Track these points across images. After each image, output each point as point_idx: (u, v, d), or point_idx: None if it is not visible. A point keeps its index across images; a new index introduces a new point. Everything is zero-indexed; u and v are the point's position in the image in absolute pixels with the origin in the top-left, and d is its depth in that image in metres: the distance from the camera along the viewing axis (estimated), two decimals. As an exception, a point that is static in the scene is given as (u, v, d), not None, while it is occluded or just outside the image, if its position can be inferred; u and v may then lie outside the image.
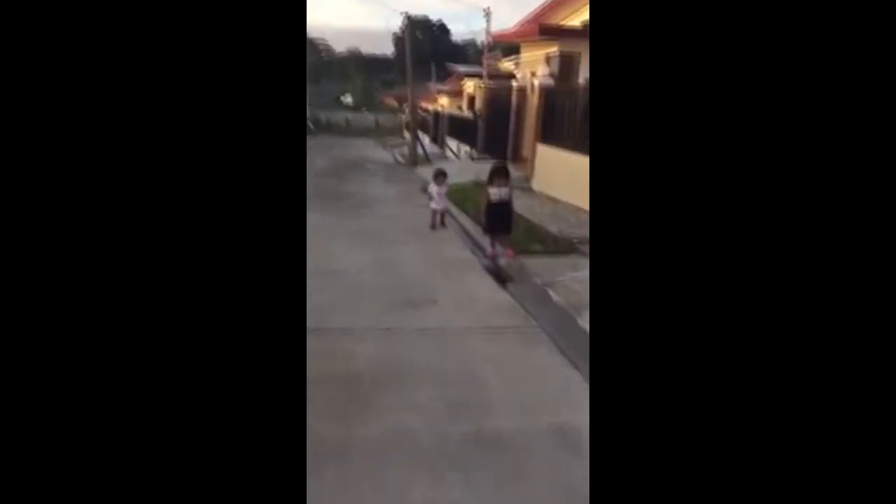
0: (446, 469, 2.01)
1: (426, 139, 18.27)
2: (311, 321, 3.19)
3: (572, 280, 4.21)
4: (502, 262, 4.81)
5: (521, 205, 6.41)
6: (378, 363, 2.83)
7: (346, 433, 2.20)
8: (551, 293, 3.95)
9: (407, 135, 18.09)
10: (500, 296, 4.05)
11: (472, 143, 13.76)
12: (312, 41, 45.03)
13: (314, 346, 2.94)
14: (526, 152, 10.52)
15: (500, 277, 4.47)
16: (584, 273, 4.36)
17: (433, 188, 6.50)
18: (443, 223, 6.46)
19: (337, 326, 3.29)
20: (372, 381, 2.63)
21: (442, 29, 52.83)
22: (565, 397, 2.58)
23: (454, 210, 7.04)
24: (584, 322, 3.38)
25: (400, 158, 15.85)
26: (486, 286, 4.29)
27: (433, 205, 6.48)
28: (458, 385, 2.65)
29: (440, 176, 6.54)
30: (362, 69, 51.72)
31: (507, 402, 2.51)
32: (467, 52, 38.51)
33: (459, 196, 7.55)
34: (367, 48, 56.24)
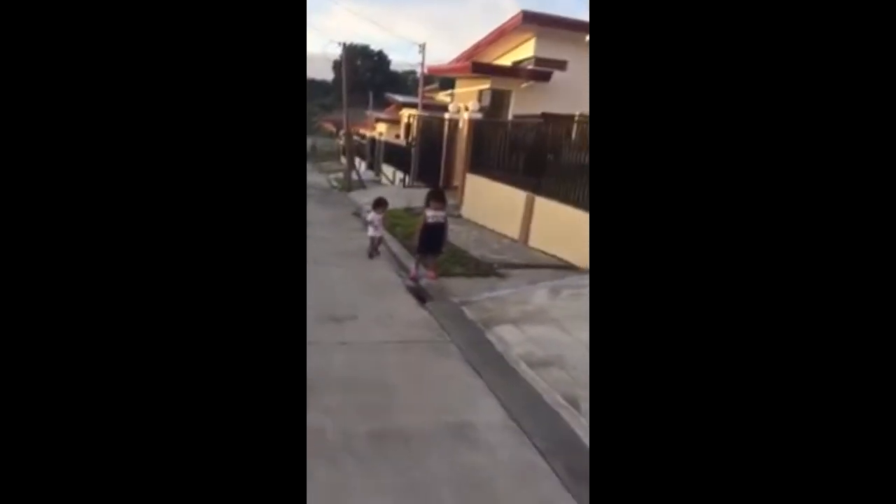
0: (350, 461, 2.22)
1: (362, 165, 18.51)
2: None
3: (487, 299, 4.56)
4: (424, 282, 5.10)
5: (449, 231, 6.77)
6: (296, 373, 3.01)
7: (260, 433, 2.37)
8: (466, 311, 4.27)
9: (343, 160, 18.25)
10: (418, 313, 4.33)
11: (406, 171, 14.14)
12: (249, 62, 44.27)
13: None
14: (456, 181, 10.99)
15: (421, 297, 4.75)
16: (499, 293, 4.73)
17: (372, 215, 6.45)
18: (377, 251, 6.45)
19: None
20: (288, 389, 2.80)
21: (381, 58, 53.79)
22: (466, 400, 2.87)
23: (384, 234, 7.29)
24: (492, 336, 3.71)
25: (335, 183, 15.96)
26: (407, 304, 4.56)
27: (371, 231, 6.42)
28: (368, 391, 2.87)
29: (380, 204, 6.53)
30: (300, 93, 51.41)
31: (413, 404, 2.77)
32: (406, 83, 39.41)
33: (391, 221, 7.81)
34: (307, 73, 56.12)
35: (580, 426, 2.54)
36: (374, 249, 6.41)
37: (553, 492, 2.11)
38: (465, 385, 3.06)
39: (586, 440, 2.42)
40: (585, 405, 2.70)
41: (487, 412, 2.73)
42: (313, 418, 2.52)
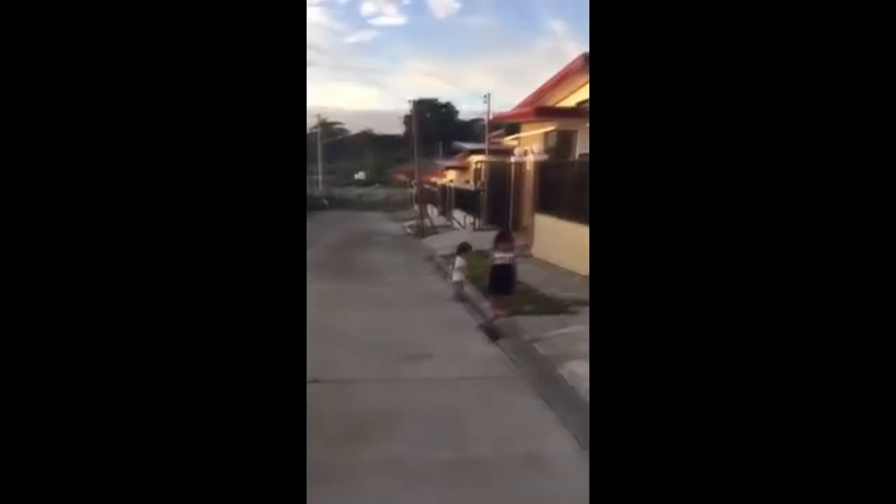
0: (429, 486, 2.38)
1: (434, 212, 19.15)
2: (325, 373, 3.66)
3: (557, 336, 4.61)
4: (496, 322, 5.24)
5: (519, 270, 6.89)
6: (378, 408, 3.24)
7: (348, 459, 2.59)
8: (537, 347, 4.35)
9: (416, 207, 19.01)
10: (491, 350, 4.47)
11: (476, 215, 14.50)
12: (328, 124, 47.84)
13: (321, 394, 3.38)
14: (525, 222, 11.15)
15: (493, 335, 4.89)
16: (569, 329, 4.77)
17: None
18: (462, 297, 6.45)
19: (345, 378, 3.72)
20: (371, 422, 3.03)
21: (449, 109, 55.98)
22: (537, 432, 2.95)
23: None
24: (563, 371, 3.77)
25: (408, 230, 16.60)
26: (480, 342, 4.71)
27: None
28: (445, 422, 3.03)
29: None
30: (375, 148, 54.46)
31: (487, 434, 2.89)
32: (473, 130, 40.72)
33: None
34: (380, 129, 59.44)
35: (654, 457, 2.55)
36: (460, 292, 6.47)
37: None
38: (537, 418, 3.14)
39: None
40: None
41: (559, 443, 2.80)
42: (394, 447, 2.72)
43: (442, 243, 11.61)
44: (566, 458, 2.63)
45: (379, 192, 39.68)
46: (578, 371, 3.74)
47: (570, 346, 4.31)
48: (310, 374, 3.62)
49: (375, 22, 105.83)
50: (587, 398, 3.29)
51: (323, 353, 4.17)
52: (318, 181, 36.32)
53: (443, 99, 56.63)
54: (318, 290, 6.71)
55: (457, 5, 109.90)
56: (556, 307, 5.71)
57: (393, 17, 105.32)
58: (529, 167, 12.07)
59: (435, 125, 46.96)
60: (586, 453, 2.67)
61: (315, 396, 3.35)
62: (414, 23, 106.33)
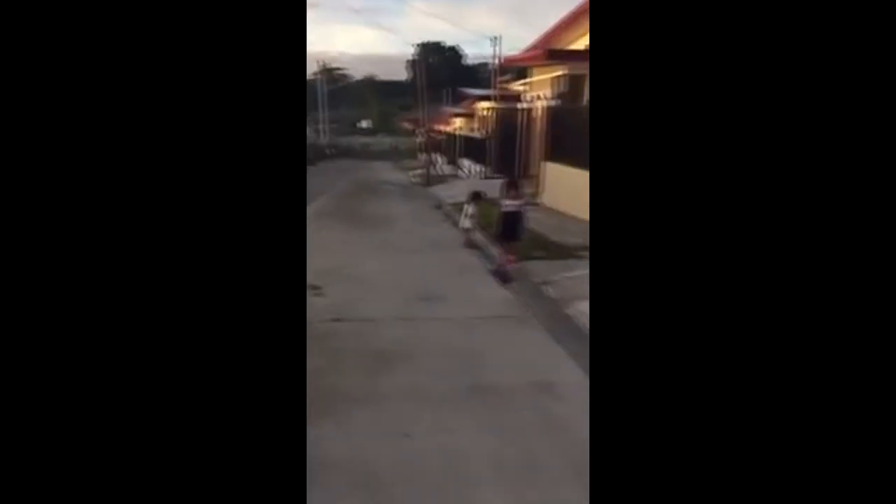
0: (450, 409, 2.62)
1: (441, 160, 19.07)
2: (345, 313, 3.87)
3: (564, 279, 4.80)
4: (507, 267, 5.42)
5: (529, 217, 7.01)
6: (398, 343, 3.46)
7: (373, 387, 2.83)
8: (546, 289, 4.55)
9: (422, 156, 18.92)
10: (502, 293, 4.67)
11: (484, 163, 14.46)
12: (330, 69, 46.69)
13: (345, 330, 3.61)
14: (534, 169, 11.16)
15: (504, 279, 5.08)
16: (576, 273, 4.95)
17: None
18: (472, 243, 6.61)
19: (364, 317, 3.94)
20: (393, 355, 3.26)
21: (455, 53, 54.35)
22: (547, 362, 3.18)
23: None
24: (570, 310, 3.97)
25: (415, 179, 16.62)
26: (491, 286, 4.91)
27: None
28: (462, 355, 3.26)
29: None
30: (379, 95, 53.36)
31: (500, 365, 3.12)
32: (480, 76, 39.74)
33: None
34: (384, 74, 58.00)
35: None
36: (469, 240, 6.65)
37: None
38: (548, 351, 3.36)
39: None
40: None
41: (567, 372, 3.03)
42: (415, 377, 2.95)
43: (450, 192, 11.68)
44: (573, 385, 2.86)
45: (385, 141, 39.30)
46: (585, 310, 3.93)
47: (577, 287, 4.49)
48: (331, 314, 3.87)
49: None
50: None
51: (342, 296, 4.39)
52: (321, 130, 35.89)
53: (448, 42, 54.91)
54: (331, 238, 6.90)
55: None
56: (564, 252, 5.87)
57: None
58: (538, 113, 11.93)
59: (441, 70, 45.78)
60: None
61: (339, 333, 3.60)
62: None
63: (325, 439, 2.28)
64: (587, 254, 5.75)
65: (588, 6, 12.05)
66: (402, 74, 54.30)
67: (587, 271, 4.99)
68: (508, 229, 5.54)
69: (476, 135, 17.83)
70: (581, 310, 3.95)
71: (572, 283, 4.65)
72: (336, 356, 3.20)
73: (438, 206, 10.34)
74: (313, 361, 2.64)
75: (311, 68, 40.34)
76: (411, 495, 2.00)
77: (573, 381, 2.91)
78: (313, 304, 3.98)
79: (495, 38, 15.59)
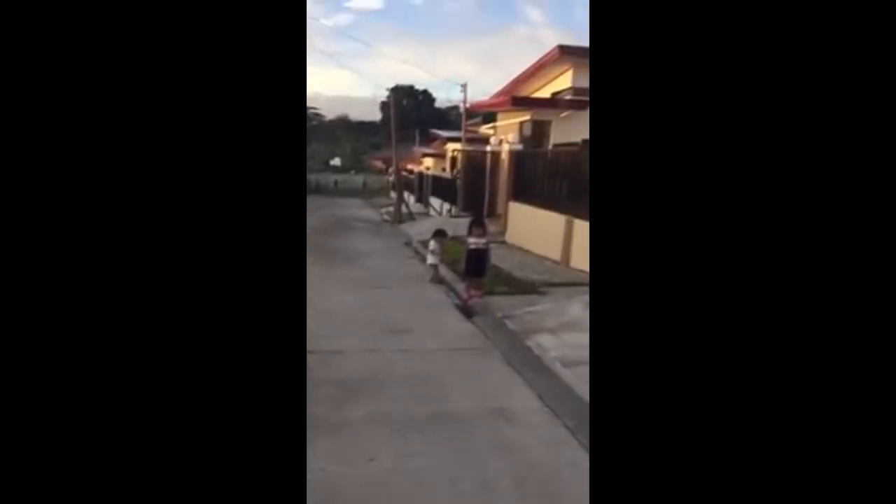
0: (412, 435, 2.76)
1: (411, 199, 19.43)
2: (314, 345, 3.99)
3: (527, 313, 5.03)
4: (472, 302, 5.62)
5: (494, 255, 7.29)
6: (364, 373, 3.59)
7: (340, 415, 2.95)
8: (508, 323, 4.77)
9: (393, 194, 19.24)
10: (466, 326, 4.86)
11: (452, 202, 14.84)
12: (303, 108, 47.09)
13: (313, 363, 3.72)
14: (500, 209, 11.55)
15: (468, 313, 5.28)
16: (538, 308, 5.20)
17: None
18: (438, 276, 6.90)
19: (333, 349, 4.06)
20: (358, 384, 3.39)
21: (426, 97, 55.90)
22: (505, 391, 3.37)
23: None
24: (529, 342, 4.18)
25: (386, 217, 16.86)
26: (456, 319, 5.10)
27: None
28: (425, 384, 3.42)
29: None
30: (351, 134, 54.10)
31: (461, 393, 3.29)
32: (450, 118, 40.86)
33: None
34: (356, 115, 59.01)
35: (604, 409, 2.98)
36: (436, 275, 6.91)
37: (577, 455, 2.57)
38: (506, 381, 3.55)
39: (609, 420, 2.85)
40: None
41: (525, 400, 3.22)
42: (381, 405, 3.09)
43: (419, 229, 11.93)
44: (530, 412, 3.04)
45: (356, 179, 39.62)
46: (544, 343, 4.16)
47: (538, 321, 4.73)
48: (301, 345, 3.97)
49: (353, 5, 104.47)
50: (551, 365, 3.72)
51: (312, 329, 4.48)
52: (293, 167, 35.93)
53: (419, 86, 56.56)
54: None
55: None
56: (526, 288, 6.13)
57: (370, 1, 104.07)
58: (504, 156, 12.44)
59: (412, 112, 46.93)
60: (547, 409, 3.09)
61: (308, 365, 3.70)
62: (391, 7, 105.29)
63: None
64: (548, 290, 6.02)
65: (552, 57, 12.83)
66: (374, 115, 55.39)
67: (547, 306, 5.24)
68: (473, 266, 5.79)
69: (445, 175, 18.31)
70: (539, 342, 4.18)
71: (533, 317, 4.89)
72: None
73: (408, 243, 10.55)
74: None
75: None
76: (374, 513, 2.12)
77: (528, 408, 3.10)
78: (282, 336, 4.07)
79: (464, 84, 16.30)
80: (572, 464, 2.51)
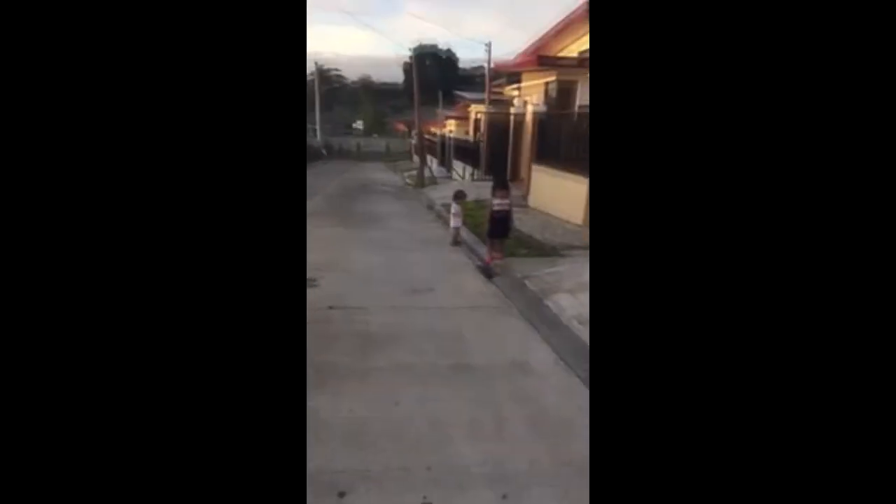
0: (434, 383, 2.94)
1: (434, 162, 19.41)
2: (339, 302, 4.17)
3: (547, 274, 5.14)
4: (493, 263, 5.75)
5: (516, 218, 7.35)
6: (387, 328, 3.78)
7: (365, 364, 3.15)
8: (527, 283, 4.88)
9: (416, 158, 19.23)
10: (486, 286, 5.00)
11: (475, 166, 14.80)
12: (324, 71, 46.90)
13: (338, 318, 3.91)
14: (523, 173, 11.51)
15: (489, 274, 5.41)
16: (557, 269, 5.29)
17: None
18: (460, 239, 7.00)
19: (357, 305, 4.25)
20: (382, 337, 3.58)
21: (450, 57, 54.75)
22: (523, 345, 3.51)
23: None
24: (549, 301, 4.30)
25: (408, 181, 16.92)
26: (477, 280, 5.24)
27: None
28: (446, 338, 3.59)
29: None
30: (373, 97, 53.62)
31: (480, 348, 3.45)
32: (474, 79, 40.09)
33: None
34: (378, 76, 58.29)
35: (617, 364, 3.11)
36: (457, 237, 7.02)
37: (587, 401, 2.71)
38: (524, 337, 3.69)
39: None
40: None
41: (541, 354, 3.36)
42: (404, 356, 3.27)
43: (441, 193, 12.00)
44: (545, 364, 3.19)
45: (378, 142, 39.50)
46: (561, 302, 4.28)
47: (556, 282, 4.83)
48: (326, 303, 4.18)
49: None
50: (568, 323, 3.84)
51: (336, 287, 4.70)
52: (316, 130, 36.13)
53: (443, 45, 55.34)
54: (326, 235, 7.21)
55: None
56: (547, 251, 6.21)
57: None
58: (528, 119, 12.30)
59: (435, 73, 46.12)
60: (562, 361, 3.23)
61: (333, 319, 3.91)
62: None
63: (321, 407, 2.59)
64: (568, 252, 6.10)
65: (580, 14, 12.46)
66: (396, 77, 54.61)
67: (566, 267, 5.33)
68: (497, 228, 5.88)
69: (468, 138, 18.16)
70: (557, 301, 4.29)
71: (552, 278, 4.99)
72: (330, 338, 3.51)
73: (430, 207, 10.65)
74: (309, 343, 2.98)
75: (307, 69, 40.39)
76: (397, 449, 2.31)
77: (544, 360, 3.25)
78: (308, 294, 4.29)
79: (488, 43, 15.96)
80: (582, 408, 2.67)
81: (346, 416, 2.56)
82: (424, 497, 2.00)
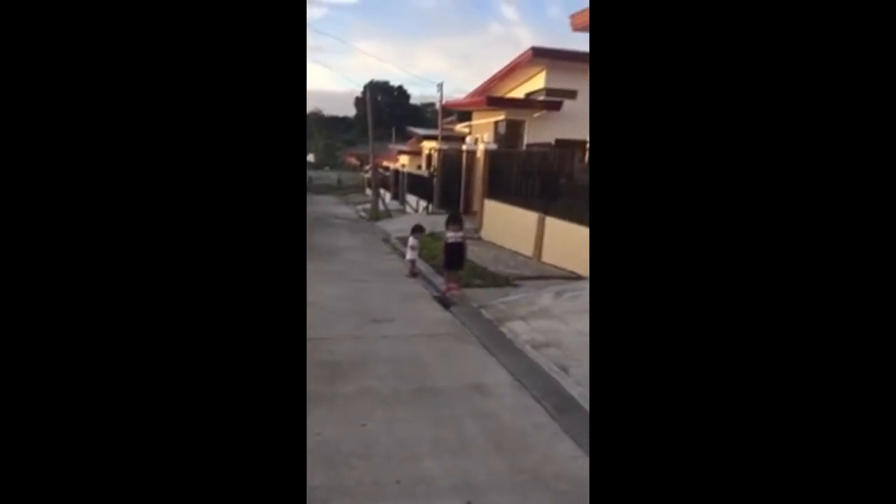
0: (398, 406, 3.11)
1: (387, 195, 19.67)
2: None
3: (501, 303, 5.43)
4: (449, 294, 5.99)
5: (470, 250, 7.66)
6: (351, 356, 3.92)
7: (332, 390, 3.28)
8: (483, 312, 5.15)
9: (368, 191, 19.44)
10: (444, 315, 5.23)
11: (429, 199, 15.17)
12: (277, 103, 46.58)
13: (307, 347, 4.00)
14: (476, 206, 11.94)
15: (446, 304, 5.64)
16: (511, 298, 5.60)
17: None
18: (416, 270, 7.22)
19: (321, 336, 4.38)
20: (347, 365, 3.72)
21: (401, 93, 55.95)
22: (480, 369, 3.75)
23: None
24: (504, 329, 4.57)
25: (363, 214, 17.07)
26: (434, 309, 5.46)
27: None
28: (407, 365, 3.77)
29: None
30: (324, 130, 53.74)
31: (441, 372, 3.66)
32: (425, 115, 41.06)
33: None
34: (330, 110, 58.65)
35: (566, 383, 3.38)
36: (413, 269, 7.23)
37: (542, 419, 2.97)
38: (481, 361, 3.93)
39: (570, 391, 3.26)
40: (573, 370, 3.54)
41: (497, 376, 3.60)
42: (368, 382, 3.43)
43: (396, 226, 12.23)
44: (502, 386, 3.43)
45: (330, 175, 39.45)
46: (516, 328, 4.56)
47: (510, 310, 5.12)
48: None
49: (326, 0, 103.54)
50: (522, 347, 4.11)
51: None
52: (267, 162, 35.59)
53: (393, 81, 56.56)
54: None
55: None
56: (501, 281, 6.53)
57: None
58: (480, 155, 12.84)
59: (387, 109, 46.94)
60: (517, 382, 3.48)
61: (298, 349, 4.02)
62: (365, 2, 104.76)
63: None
64: (521, 282, 6.44)
65: (526, 59, 13.25)
66: (348, 111, 55.17)
67: (519, 297, 5.64)
68: (451, 259, 6.15)
69: (422, 172, 18.59)
70: (511, 328, 4.57)
71: (506, 306, 5.28)
72: (297, 367, 3.63)
73: (386, 240, 10.84)
74: None
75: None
76: (367, 466, 2.47)
77: (500, 383, 3.49)
78: (272, 324, 4.37)
79: (440, 84, 16.61)
80: (537, 425, 2.91)
81: (316, 439, 2.69)
82: (395, 508, 2.17)
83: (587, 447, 2.53)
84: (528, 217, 8.36)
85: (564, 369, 3.59)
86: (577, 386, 3.31)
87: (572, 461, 2.53)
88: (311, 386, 3.31)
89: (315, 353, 3.92)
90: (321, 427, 2.81)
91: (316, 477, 2.34)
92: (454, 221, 6.29)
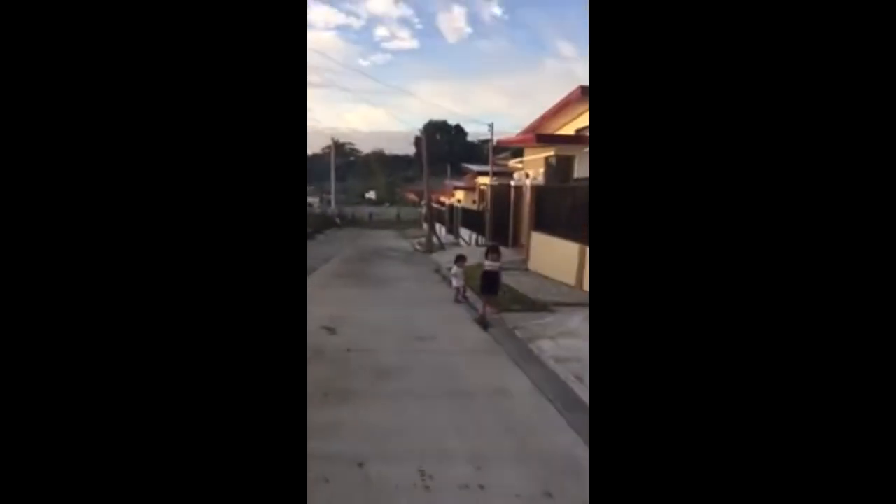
0: (430, 401, 3.68)
1: (442, 230, 20.51)
2: (355, 346, 4.98)
3: (534, 325, 5.91)
4: (488, 317, 6.53)
5: (515, 280, 8.24)
6: (395, 364, 4.55)
7: (377, 388, 3.91)
8: (517, 332, 5.65)
9: (425, 226, 20.37)
10: (481, 334, 5.78)
11: (480, 232, 15.82)
12: (340, 144, 49.63)
13: (356, 357, 4.70)
14: (524, 239, 12.45)
15: (484, 325, 6.19)
16: (544, 321, 6.06)
17: (455, 269, 8.01)
18: (464, 297, 7.83)
19: (370, 348, 5.04)
20: (391, 370, 4.34)
21: (459, 131, 57.74)
22: (506, 378, 4.26)
23: (458, 283, 8.81)
24: (533, 346, 5.06)
25: (418, 247, 17.93)
26: (473, 330, 6.02)
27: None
28: (443, 371, 4.35)
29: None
30: (385, 168, 56.16)
31: (471, 379, 4.20)
32: (481, 152, 42.24)
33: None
34: (391, 149, 61.35)
35: (579, 389, 3.83)
36: (460, 296, 7.88)
37: (554, 416, 3.45)
38: (507, 371, 4.44)
39: (581, 395, 3.71)
40: (588, 379, 3.98)
41: (520, 383, 4.10)
42: (408, 384, 4.04)
43: (448, 258, 12.86)
44: (524, 391, 3.93)
45: (389, 211, 41.09)
46: (543, 346, 5.03)
47: (541, 331, 5.60)
48: (344, 346, 4.97)
49: (389, 45, 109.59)
50: (546, 361, 4.58)
51: (352, 335, 5.50)
52: (330, 200, 37.81)
53: (452, 120, 58.52)
54: (342, 295, 8.08)
55: (468, 29, 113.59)
56: (538, 307, 7.00)
57: (405, 41, 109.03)
58: (527, 190, 13.41)
59: (444, 146, 48.60)
60: (536, 388, 3.97)
61: (350, 358, 4.71)
62: (426, 46, 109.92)
63: (343, 419, 3.35)
64: (557, 308, 6.87)
65: (576, 96, 13.83)
66: (408, 150, 57.51)
67: (552, 320, 6.10)
68: (487, 285, 6.72)
69: (474, 207, 19.33)
70: (540, 346, 5.05)
71: (538, 328, 5.76)
72: (348, 371, 4.29)
73: (437, 270, 11.53)
74: (331, 374, 3.91)
75: (324, 143, 42.98)
76: (401, 441, 3.04)
77: (521, 388, 4.00)
78: (329, 340, 5.16)
79: (491, 123, 17.47)
80: (548, 419, 3.41)
81: (358, 420, 3.31)
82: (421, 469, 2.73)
83: (587, 437, 2.99)
84: (571, 248, 8.79)
85: (580, 378, 4.04)
86: (588, 392, 3.75)
87: (572, 447, 3.00)
88: (360, 384, 3.99)
89: (364, 361, 4.59)
90: (365, 412, 3.43)
91: (361, 447, 2.95)
92: (492, 252, 6.89)
